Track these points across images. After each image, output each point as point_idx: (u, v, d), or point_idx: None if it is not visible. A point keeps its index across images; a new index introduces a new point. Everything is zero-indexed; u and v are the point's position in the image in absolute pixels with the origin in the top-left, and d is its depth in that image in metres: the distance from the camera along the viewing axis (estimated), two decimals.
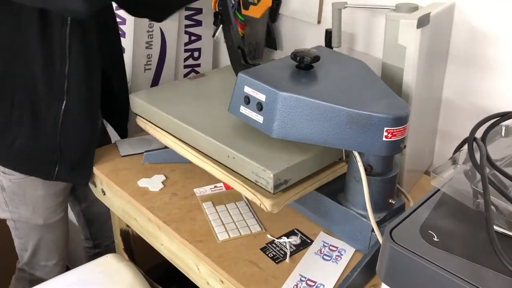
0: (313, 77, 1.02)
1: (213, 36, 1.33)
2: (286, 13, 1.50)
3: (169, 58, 1.63)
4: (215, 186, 1.22)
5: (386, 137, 0.90)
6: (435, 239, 0.71)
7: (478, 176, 0.75)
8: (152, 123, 1.22)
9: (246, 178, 1.01)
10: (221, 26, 1.27)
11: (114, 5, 1.38)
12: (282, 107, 0.94)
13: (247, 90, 0.99)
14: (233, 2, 1.28)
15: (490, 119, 0.91)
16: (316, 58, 1.01)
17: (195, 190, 1.22)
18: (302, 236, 1.08)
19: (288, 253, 1.03)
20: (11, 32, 1.15)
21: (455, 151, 0.87)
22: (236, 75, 1.02)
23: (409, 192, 1.17)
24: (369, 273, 0.97)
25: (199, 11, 1.64)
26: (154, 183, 1.23)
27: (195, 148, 1.11)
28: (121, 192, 1.22)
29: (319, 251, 1.04)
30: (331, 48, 1.28)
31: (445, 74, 1.22)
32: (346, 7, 1.24)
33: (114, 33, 1.39)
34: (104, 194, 1.34)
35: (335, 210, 1.05)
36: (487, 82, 1.15)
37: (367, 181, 0.95)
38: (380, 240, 0.95)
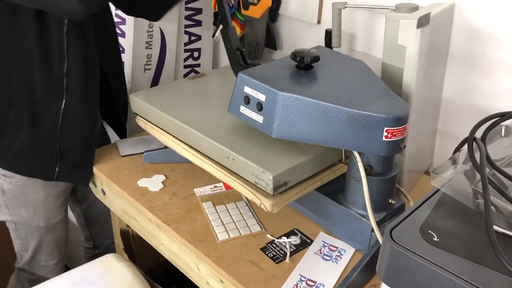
0: (313, 77, 1.02)
1: (213, 36, 1.32)
2: (286, 13, 1.50)
3: (169, 58, 1.63)
4: (215, 186, 1.22)
5: (386, 137, 0.90)
6: (435, 239, 0.71)
7: (478, 176, 0.75)
8: (152, 123, 1.22)
9: (246, 180, 1.01)
10: (220, 27, 1.27)
11: (112, 5, 1.38)
12: (282, 107, 0.94)
13: (247, 90, 0.99)
14: (233, 2, 1.28)
15: (490, 119, 0.91)
16: (316, 58, 1.01)
17: (195, 190, 1.22)
18: (302, 236, 1.08)
19: (288, 253, 1.03)
20: (9, 31, 1.14)
21: (455, 151, 0.87)
22: (236, 76, 1.02)
23: (409, 192, 1.17)
24: (369, 273, 0.97)
25: (199, 11, 1.64)
26: (154, 183, 1.23)
27: (195, 148, 1.11)
28: (121, 192, 1.22)
29: (319, 251, 1.04)
30: (331, 48, 1.28)
31: (445, 74, 1.22)
32: (346, 7, 1.24)
33: (111, 33, 1.39)
34: (104, 194, 1.33)
35: (335, 210, 1.05)
36: (487, 82, 1.15)
37: (367, 181, 0.95)
38: (380, 240, 0.95)
